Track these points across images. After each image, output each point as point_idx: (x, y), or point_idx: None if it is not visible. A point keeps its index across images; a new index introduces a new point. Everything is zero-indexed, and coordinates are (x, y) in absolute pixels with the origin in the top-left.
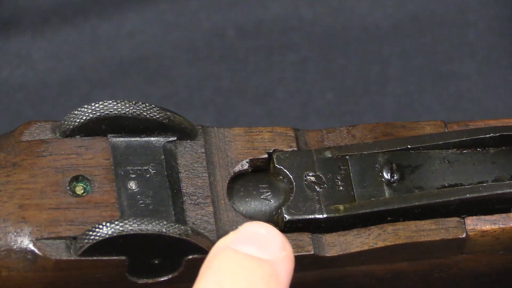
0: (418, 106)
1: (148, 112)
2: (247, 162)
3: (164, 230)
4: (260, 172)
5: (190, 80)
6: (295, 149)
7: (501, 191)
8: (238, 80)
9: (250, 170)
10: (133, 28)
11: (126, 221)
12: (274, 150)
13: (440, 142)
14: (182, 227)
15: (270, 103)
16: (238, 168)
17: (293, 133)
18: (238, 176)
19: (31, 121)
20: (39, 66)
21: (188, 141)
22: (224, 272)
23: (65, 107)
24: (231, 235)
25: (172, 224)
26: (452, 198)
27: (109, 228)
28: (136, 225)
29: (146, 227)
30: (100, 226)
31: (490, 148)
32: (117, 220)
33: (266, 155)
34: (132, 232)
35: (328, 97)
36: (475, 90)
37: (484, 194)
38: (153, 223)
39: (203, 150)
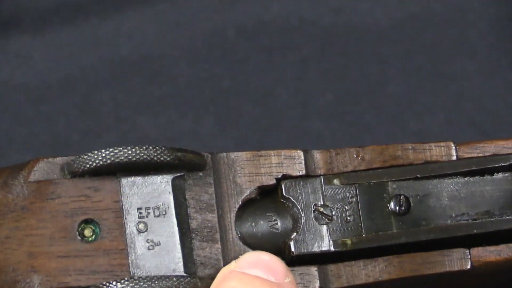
0: (418, 106)
1: (159, 156)
2: (255, 189)
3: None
4: (268, 196)
5: (190, 80)
6: (304, 173)
7: (507, 227)
8: (238, 80)
9: (258, 198)
10: (133, 28)
11: (136, 281)
12: (283, 176)
13: (449, 172)
14: (192, 280)
15: (270, 103)
16: (246, 196)
17: (301, 156)
18: (246, 202)
19: (39, 158)
20: (40, 66)
21: (197, 172)
22: None
23: (65, 107)
24: (234, 262)
25: (182, 280)
26: (459, 234)
27: None
28: (146, 286)
29: None
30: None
31: (500, 173)
32: (127, 280)
33: (274, 181)
34: None
35: (328, 97)
36: (475, 90)
37: (491, 230)
38: (163, 283)
39: (211, 181)
